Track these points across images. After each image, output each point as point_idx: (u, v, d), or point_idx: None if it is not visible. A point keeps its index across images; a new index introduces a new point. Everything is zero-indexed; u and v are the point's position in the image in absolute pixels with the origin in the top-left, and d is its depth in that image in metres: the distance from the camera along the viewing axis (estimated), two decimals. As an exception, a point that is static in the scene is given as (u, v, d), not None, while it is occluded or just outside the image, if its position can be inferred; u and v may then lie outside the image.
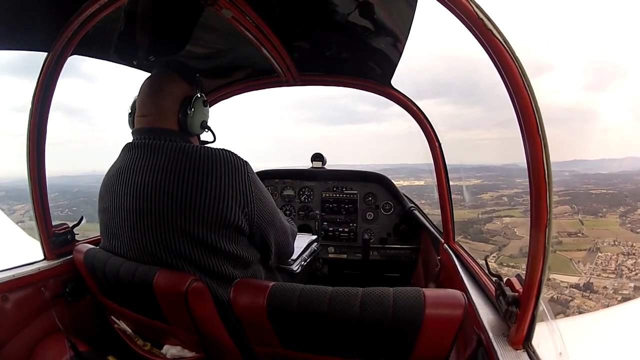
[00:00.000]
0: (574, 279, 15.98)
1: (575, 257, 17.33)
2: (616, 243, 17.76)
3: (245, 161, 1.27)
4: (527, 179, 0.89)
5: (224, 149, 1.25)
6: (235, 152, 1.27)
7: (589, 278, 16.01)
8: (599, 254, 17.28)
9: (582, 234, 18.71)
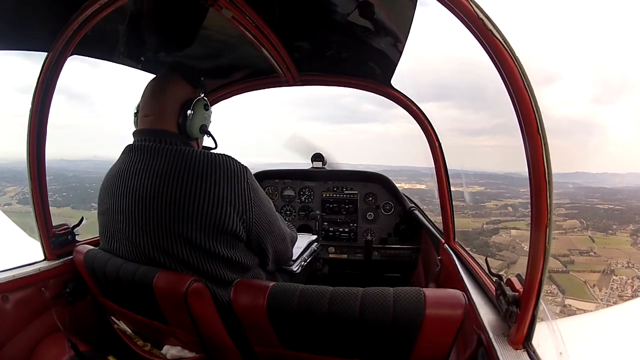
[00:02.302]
0: (591, 307, 15.42)
1: (590, 279, 16.67)
2: (630, 265, 17.14)
3: (245, 167, 1.26)
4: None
5: (224, 154, 1.24)
6: (235, 158, 1.26)
7: (606, 306, 15.33)
8: (614, 277, 16.65)
9: (594, 252, 18.07)
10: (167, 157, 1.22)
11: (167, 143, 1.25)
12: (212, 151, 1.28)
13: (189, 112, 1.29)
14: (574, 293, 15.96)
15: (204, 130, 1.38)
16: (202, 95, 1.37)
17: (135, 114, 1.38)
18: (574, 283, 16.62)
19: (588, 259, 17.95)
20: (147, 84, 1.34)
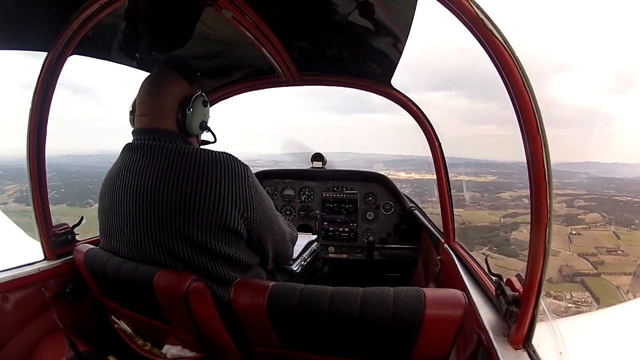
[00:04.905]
0: (631, 320, 14.28)
1: (622, 284, 15.48)
2: (661, 265, 15.78)
3: (246, 165, 1.26)
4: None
5: (224, 152, 1.24)
6: (236, 156, 1.26)
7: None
8: (646, 280, 15.34)
9: (622, 251, 16.87)
10: (167, 156, 1.22)
11: (166, 141, 1.25)
12: (212, 149, 1.28)
13: (188, 110, 1.28)
14: (608, 302, 14.39)
15: (204, 127, 1.37)
16: (200, 91, 1.35)
17: (131, 112, 1.38)
18: (606, 289, 15.32)
19: (617, 258, 16.65)
20: (142, 81, 1.33)
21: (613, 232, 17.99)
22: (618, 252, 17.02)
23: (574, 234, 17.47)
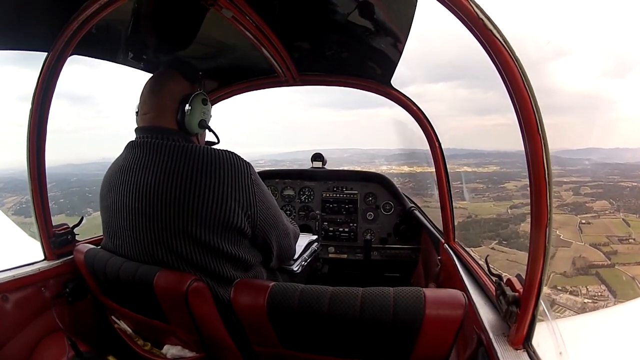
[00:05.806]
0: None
1: (637, 274, 14.78)
2: (675, 253, 15.21)
3: (249, 163, 1.27)
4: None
5: (226, 150, 1.24)
6: (238, 154, 1.26)
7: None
8: (662, 269, 14.76)
9: (634, 239, 16.31)
10: (169, 154, 1.22)
11: (168, 139, 1.25)
12: (214, 147, 1.28)
13: (186, 107, 1.29)
14: (625, 294, 13.91)
15: (204, 125, 1.37)
16: (200, 90, 1.36)
17: (137, 113, 1.39)
18: (621, 280, 14.67)
19: (629, 247, 15.92)
20: (146, 82, 1.35)
21: (623, 219, 17.55)
22: (630, 240, 16.50)
23: (584, 224, 16.92)
